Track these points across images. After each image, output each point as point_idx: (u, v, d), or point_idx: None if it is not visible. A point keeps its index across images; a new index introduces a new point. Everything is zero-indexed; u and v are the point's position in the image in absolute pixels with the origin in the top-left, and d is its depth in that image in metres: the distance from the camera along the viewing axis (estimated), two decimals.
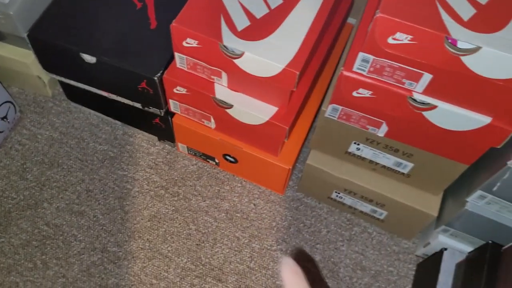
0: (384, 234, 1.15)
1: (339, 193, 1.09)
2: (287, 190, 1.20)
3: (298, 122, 1.06)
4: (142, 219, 1.15)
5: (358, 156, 0.98)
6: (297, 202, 1.19)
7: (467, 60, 0.62)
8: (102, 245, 1.11)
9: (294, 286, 0.34)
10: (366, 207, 1.09)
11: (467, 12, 0.64)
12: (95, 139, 1.26)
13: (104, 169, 1.21)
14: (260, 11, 0.88)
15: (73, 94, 1.26)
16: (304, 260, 1.11)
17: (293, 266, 0.35)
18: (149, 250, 1.11)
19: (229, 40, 0.83)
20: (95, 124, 1.28)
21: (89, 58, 1.00)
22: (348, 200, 1.10)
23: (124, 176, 1.21)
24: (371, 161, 0.98)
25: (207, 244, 1.12)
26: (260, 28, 0.86)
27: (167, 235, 1.13)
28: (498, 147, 0.75)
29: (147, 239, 1.12)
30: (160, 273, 1.08)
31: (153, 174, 1.21)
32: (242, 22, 0.86)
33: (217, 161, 1.19)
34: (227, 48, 0.84)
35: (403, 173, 0.96)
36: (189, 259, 1.10)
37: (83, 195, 1.17)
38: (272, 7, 0.89)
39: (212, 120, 1.05)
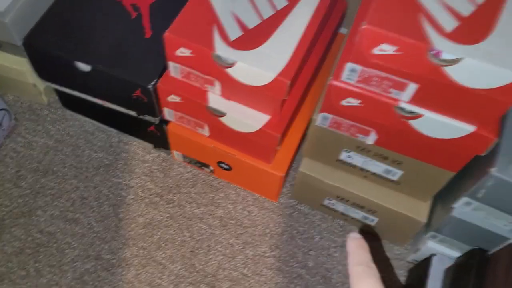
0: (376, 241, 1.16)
1: (331, 200, 1.11)
2: (280, 197, 1.22)
3: (291, 130, 1.08)
4: (136, 226, 1.16)
5: (349, 163, 1.00)
6: (290, 209, 1.20)
7: (449, 70, 0.64)
8: (96, 252, 1.12)
9: (357, 257, 0.35)
10: (358, 214, 1.10)
11: (449, 23, 0.66)
12: (90, 146, 1.27)
13: (99, 176, 1.22)
14: (252, 22, 0.90)
15: (68, 102, 1.28)
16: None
17: (360, 240, 0.37)
18: (143, 257, 1.12)
19: (222, 50, 0.85)
20: (90, 131, 1.29)
21: (84, 67, 1.02)
22: (340, 207, 1.11)
23: (119, 184, 1.22)
24: (362, 169, 0.99)
25: (201, 251, 1.13)
26: (252, 38, 0.88)
27: (161, 242, 1.14)
28: (482, 154, 0.76)
29: (141, 246, 1.13)
30: (154, 280, 1.09)
31: (148, 182, 1.22)
32: (234, 32, 0.88)
33: (211, 168, 1.20)
34: (219, 58, 0.86)
35: (393, 180, 0.98)
36: (183, 266, 1.11)
37: (77, 202, 1.18)
38: (265, 17, 0.91)
39: (206, 128, 1.07)
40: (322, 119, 0.88)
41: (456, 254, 0.96)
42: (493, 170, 0.74)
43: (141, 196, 1.20)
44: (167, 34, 0.87)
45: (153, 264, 1.11)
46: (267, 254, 1.14)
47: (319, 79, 1.12)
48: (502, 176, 0.74)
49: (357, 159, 0.97)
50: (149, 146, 1.27)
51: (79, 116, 1.31)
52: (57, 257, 1.11)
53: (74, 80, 1.09)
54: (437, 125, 0.75)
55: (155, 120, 1.10)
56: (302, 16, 0.91)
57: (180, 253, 1.13)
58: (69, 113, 1.31)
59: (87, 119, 1.30)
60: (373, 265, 0.35)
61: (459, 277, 0.86)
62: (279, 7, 0.91)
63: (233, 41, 0.87)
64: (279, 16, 0.90)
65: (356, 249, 0.36)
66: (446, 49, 0.63)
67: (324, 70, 1.14)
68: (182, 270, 1.11)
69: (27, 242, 1.12)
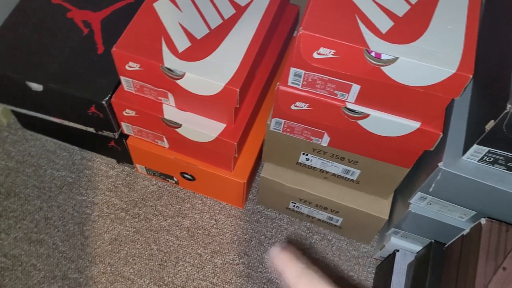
0: (343, 240, 1.17)
1: (295, 203, 1.11)
2: (247, 204, 1.22)
3: (250, 136, 1.08)
4: (103, 243, 1.15)
5: (309, 166, 1.00)
6: (257, 214, 1.21)
7: (387, 70, 0.65)
8: (62, 272, 1.10)
9: (293, 269, 0.33)
10: (322, 215, 1.11)
11: (385, 24, 0.67)
12: (52, 165, 1.25)
13: (63, 195, 1.21)
14: (200, 32, 0.90)
15: (27, 122, 1.26)
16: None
17: (283, 252, 0.34)
18: (110, 274, 1.11)
19: (170, 62, 0.85)
20: (52, 150, 1.28)
21: (36, 86, 1.00)
22: (305, 209, 1.12)
23: (84, 201, 1.20)
24: (321, 170, 1.00)
25: (170, 263, 1.13)
26: (200, 48, 0.88)
27: (129, 257, 1.13)
28: (431, 149, 0.78)
29: (109, 262, 1.12)
30: None
31: (113, 197, 1.21)
32: (183, 43, 0.88)
33: (176, 179, 1.20)
34: (168, 70, 0.85)
35: (352, 180, 0.99)
36: (151, 280, 1.10)
37: (41, 223, 1.17)
38: (212, 27, 0.91)
39: (165, 140, 1.06)
40: (275, 124, 0.89)
41: (418, 248, 0.98)
42: (441, 164, 0.76)
43: (106, 212, 1.19)
44: (114, 49, 0.87)
45: (121, 280, 1.10)
46: (236, 262, 1.14)
47: (275, 83, 1.13)
48: (449, 169, 0.75)
49: (316, 161, 0.98)
50: (112, 161, 1.26)
51: (40, 136, 1.29)
52: (23, 280, 1.09)
53: (28, 100, 1.08)
54: (384, 123, 0.76)
55: (114, 135, 1.10)
56: (249, 24, 0.91)
57: (148, 267, 1.12)
58: (29, 133, 1.29)
59: (48, 138, 1.29)
60: (314, 268, 0.33)
61: (419, 271, 0.88)
62: (226, 16, 0.92)
63: (182, 52, 0.87)
64: (227, 25, 0.91)
65: (287, 263, 0.34)
66: (382, 50, 0.64)
67: (281, 74, 1.15)
68: (151, 284, 1.10)
69: None
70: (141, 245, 1.15)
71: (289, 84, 0.77)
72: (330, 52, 0.66)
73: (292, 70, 0.73)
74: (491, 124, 0.68)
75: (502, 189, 0.74)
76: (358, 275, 1.13)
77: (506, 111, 0.64)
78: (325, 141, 0.88)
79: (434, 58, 0.64)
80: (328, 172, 1.00)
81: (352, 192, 1.03)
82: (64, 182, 1.23)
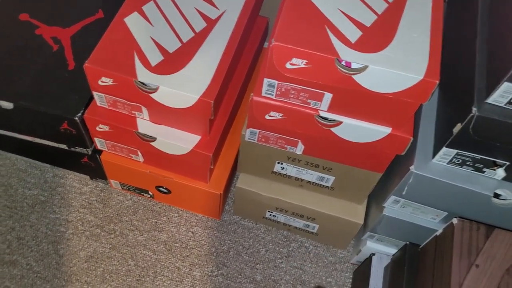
0: (320, 247, 1.18)
1: (272, 212, 1.12)
2: (224, 215, 1.22)
3: (225, 147, 1.09)
4: (78, 261, 1.13)
5: (284, 174, 1.02)
6: (234, 225, 1.21)
7: (358, 78, 0.68)
8: None
9: None
10: (299, 223, 1.12)
11: (354, 34, 0.69)
12: (23, 184, 1.23)
13: (35, 214, 1.18)
14: (173, 46, 0.91)
15: None
16: None
17: None
18: None
19: (143, 76, 0.85)
20: (22, 169, 1.25)
21: (6, 105, 0.99)
22: (281, 217, 1.13)
23: (57, 219, 1.18)
24: (296, 178, 1.02)
25: (148, 278, 1.12)
26: (173, 62, 0.88)
27: (106, 274, 1.12)
28: (402, 154, 0.80)
29: (85, 281, 1.10)
30: None
31: (87, 214, 1.20)
32: (155, 57, 0.88)
33: (151, 193, 1.19)
34: (142, 84, 0.86)
35: (327, 187, 1.01)
36: None
37: (14, 243, 1.14)
38: (184, 40, 0.92)
39: (140, 154, 1.06)
40: (250, 134, 0.90)
41: (393, 251, 1.00)
42: (412, 168, 0.78)
43: (81, 230, 1.17)
44: (86, 65, 0.87)
45: None
46: (215, 273, 1.14)
47: (248, 94, 1.15)
48: (421, 172, 0.78)
49: (291, 170, 0.99)
50: (85, 177, 1.25)
51: (10, 155, 1.26)
52: None
53: None
54: (356, 130, 0.79)
55: (87, 151, 1.09)
56: (221, 36, 0.92)
57: (126, 283, 1.11)
58: None
59: (19, 156, 1.26)
60: None
61: (395, 273, 0.90)
62: (198, 29, 0.93)
63: (155, 66, 0.87)
64: (199, 38, 0.92)
65: None
66: (352, 58, 0.66)
67: (253, 85, 1.16)
68: None
69: None
70: (118, 261, 1.13)
71: (263, 94, 0.78)
72: (302, 62, 0.68)
73: (266, 80, 0.75)
74: (458, 127, 0.71)
75: (471, 189, 0.77)
76: (336, 280, 1.14)
77: (472, 114, 0.67)
78: (299, 149, 0.90)
79: (402, 66, 0.67)
80: (303, 180, 1.01)
81: (327, 199, 1.04)
82: (37, 201, 1.20)
